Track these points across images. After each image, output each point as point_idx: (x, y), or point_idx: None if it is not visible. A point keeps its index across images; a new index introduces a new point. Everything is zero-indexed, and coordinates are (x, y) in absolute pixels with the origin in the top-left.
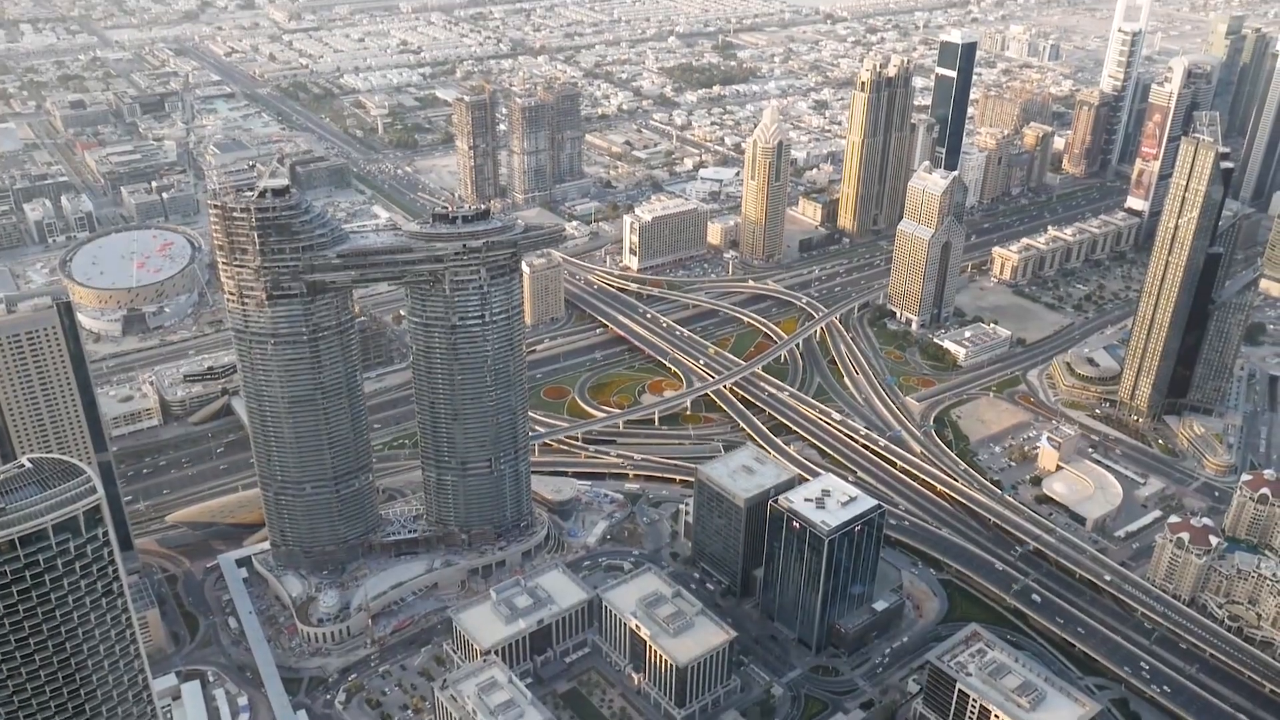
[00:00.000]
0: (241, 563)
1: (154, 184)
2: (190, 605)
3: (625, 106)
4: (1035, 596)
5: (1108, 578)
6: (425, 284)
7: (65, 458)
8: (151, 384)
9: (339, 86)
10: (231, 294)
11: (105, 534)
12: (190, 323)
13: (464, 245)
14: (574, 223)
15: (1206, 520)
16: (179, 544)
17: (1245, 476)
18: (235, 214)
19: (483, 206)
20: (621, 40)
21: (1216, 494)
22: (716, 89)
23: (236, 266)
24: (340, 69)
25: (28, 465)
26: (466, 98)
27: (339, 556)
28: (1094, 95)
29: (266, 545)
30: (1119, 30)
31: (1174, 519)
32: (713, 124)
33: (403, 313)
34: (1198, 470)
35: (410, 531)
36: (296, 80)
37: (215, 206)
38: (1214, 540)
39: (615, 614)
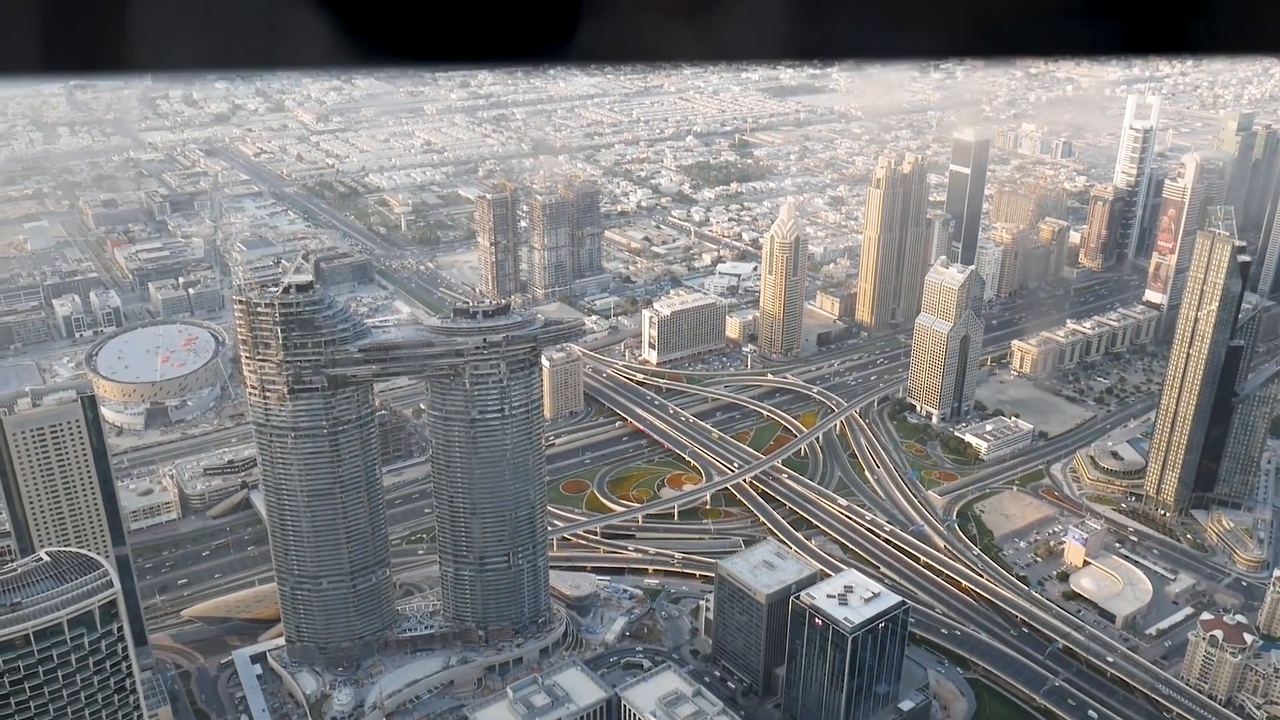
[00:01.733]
0: (256, 659)
1: (181, 280)
2: (203, 703)
3: (644, 203)
4: (1070, 700)
5: (1141, 677)
6: (445, 378)
7: (83, 551)
8: (172, 477)
9: (364, 185)
10: (253, 388)
11: (120, 629)
12: (212, 416)
13: (484, 340)
14: (593, 317)
15: (1240, 617)
16: (193, 639)
17: (1277, 572)
18: (259, 309)
19: (503, 301)
20: (640, 139)
21: (1247, 587)
22: (734, 186)
23: (259, 360)
24: (365, 168)
25: (45, 559)
26: (488, 195)
27: (354, 653)
28: (1108, 190)
29: (281, 641)
30: (1130, 128)
31: (1206, 616)
32: (730, 220)
33: (423, 406)
34: (1228, 566)
35: (427, 628)
36: (323, 179)
37: (240, 301)
38: (1249, 638)
39: (634, 713)
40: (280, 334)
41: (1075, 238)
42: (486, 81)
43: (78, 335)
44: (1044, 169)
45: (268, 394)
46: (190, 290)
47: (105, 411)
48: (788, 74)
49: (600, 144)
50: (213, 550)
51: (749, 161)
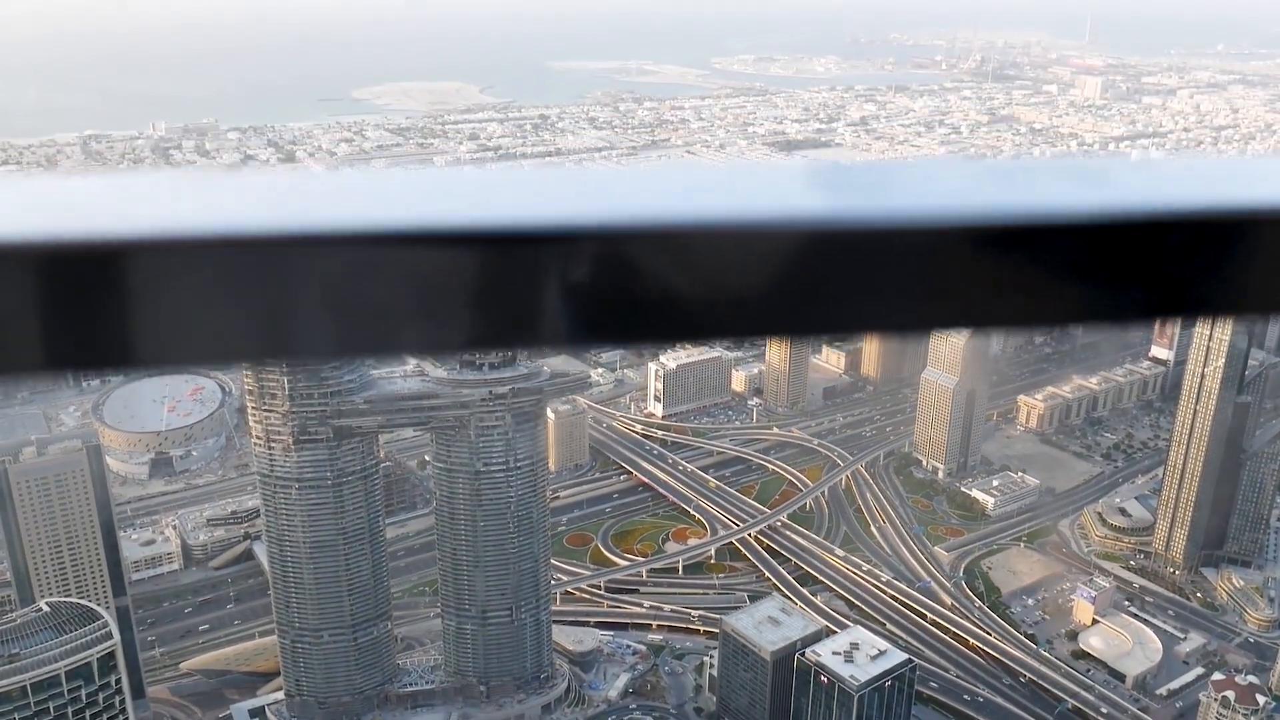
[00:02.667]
0: (255, 713)
1: None
2: None
3: None
4: None
5: None
6: (450, 429)
7: (83, 602)
8: (174, 528)
9: None
10: (259, 438)
11: (118, 681)
12: (217, 467)
13: (490, 391)
14: (599, 369)
15: (1252, 678)
16: (192, 693)
17: None
18: None
19: (509, 353)
20: None
21: (1258, 646)
22: None
23: (265, 411)
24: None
25: (45, 609)
26: None
27: (354, 707)
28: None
29: (281, 695)
30: None
31: (1218, 676)
32: None
33: (427, 458)
34: (1239, 625)
35: (428, 682)
36: None
37: None
38: (1261, 699)
39: None
40: (286, 384)
41: None
42: (496, 134)
43: (85, 384)
44: None
45: (273, 444)
46: None
47: (110, 461)
48: (794, 128)
49: None
50: (214, 602)
51: None
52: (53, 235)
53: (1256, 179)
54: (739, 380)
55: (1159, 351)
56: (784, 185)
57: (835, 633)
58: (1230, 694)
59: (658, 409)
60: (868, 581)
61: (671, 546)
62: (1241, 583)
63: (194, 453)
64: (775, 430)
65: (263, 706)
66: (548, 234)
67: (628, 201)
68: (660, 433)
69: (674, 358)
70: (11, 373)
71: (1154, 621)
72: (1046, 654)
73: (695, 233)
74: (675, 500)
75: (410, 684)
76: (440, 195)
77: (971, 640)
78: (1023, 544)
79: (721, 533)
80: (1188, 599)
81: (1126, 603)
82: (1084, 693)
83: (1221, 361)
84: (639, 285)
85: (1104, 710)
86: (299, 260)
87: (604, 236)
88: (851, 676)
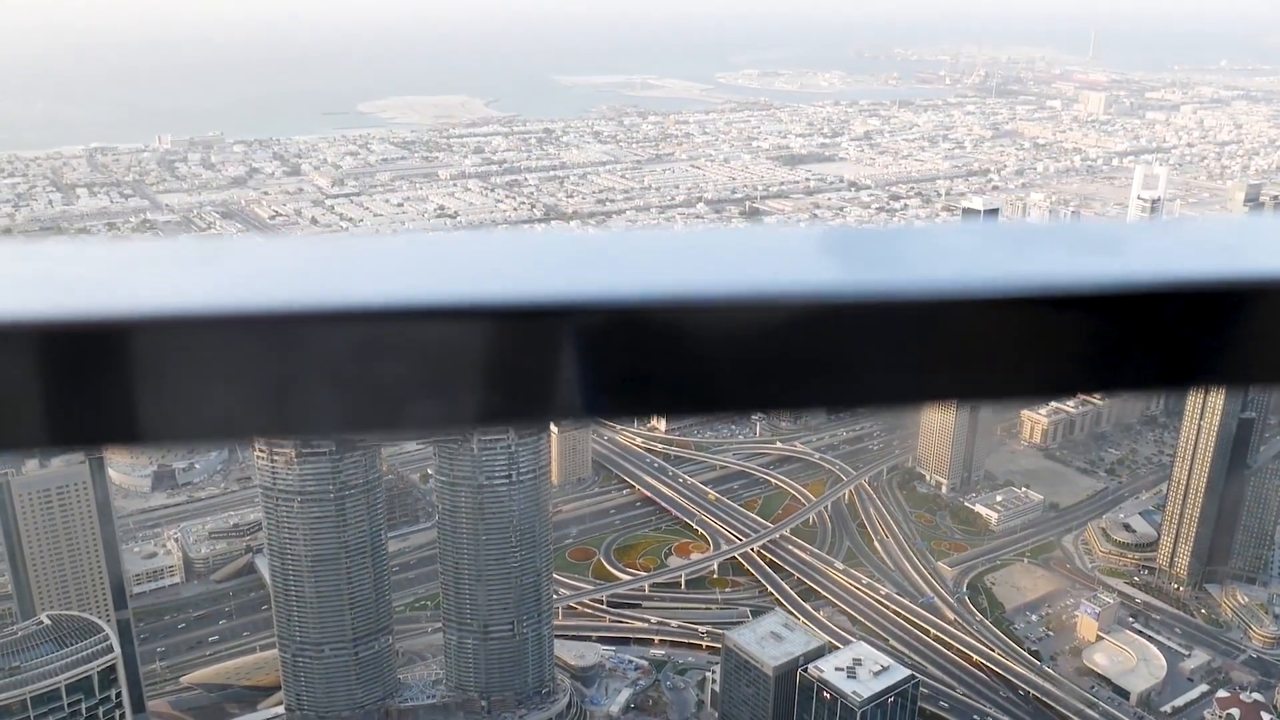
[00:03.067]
0: None
1: None
2: None
3: None
4: None
5: None
6: (453, 443)
7: (84, 615)
8: (176, 540)
9: None
10: (261, 451)
11: (118, 695)
12: (219, 479)
13: None
14: None
15: (1257, 695)
16: (192, 707)
17: None
18: None
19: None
20: (651, 206)
21: (1263, 664)
22: None
23: None
24: (378, 232)
25: (46, 622)
26: None
27: None
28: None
29: (281, 710)
30: (1138, 198)
31: (1222, 693)
32: None
33: (429, 471)
34: (1244, 642)
35: (429, 697)
36: None
37: None
38: (1266, 717)
39: None
40: None
41: None
42: (501, 148)
43: None
44: None
45: (275, 457)
46: None
47: (112, 473)
48: (798, 142)
49: (611, 210)
50: (215, 615)
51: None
52: (57, 313)
53: (1267, 244)
54: None
55: None
56: (791, 252)
57: (838, 648)
58: (1235, 711)
59: (661, 422)
60: (871, 597)
61: (674, 561)
62: (1246, 599)
63: (196, 465)
64: (778, 444)
65: None
66: (555, 308)
67: (635, 272)
68: (663, 447)
69: None
70: (16, 448)
71: (1158, 638)
72: (1050, 670)
73: (707, 306)
74: (678, 514)
75: (411, 699)
76: (447, 264)
77: (975, 656)
78: (1026, 559)
79: (724, 547)
80: (1192, 615)
81: (1131, 619)
82: (1088, 710)
83: None
84: (652, 359)
85: None
86: (305, 337)
87: (612, 310)
88: (854, 692)
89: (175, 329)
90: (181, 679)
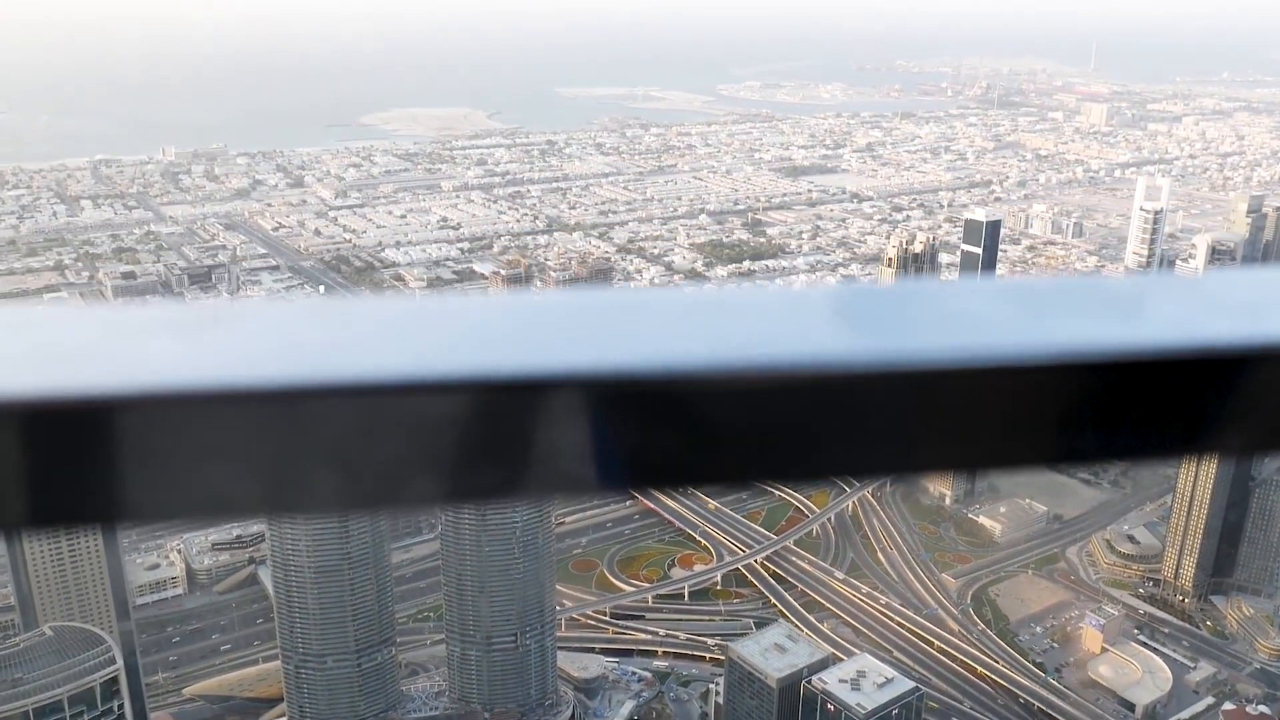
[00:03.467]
0: None
1: None
2: None
3: (657, 280)
4: None
5: None
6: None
7: (87, 626)
8: (179, 551)
9: (380, 260)
10: None
11: (121, 707)
12: None
13: None
14: None
15: (1264, 708)
16: (195, 718)
17: None
18: None
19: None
20: (654, 217)
21: (1269, 676)
22: (746, 264)
23: None
24: (382, 243)
25: (49, 633)
26: (502, 272)
27: None
28: (1120, 270)
29: None
30: (1141, 209)
31: (1229, 706)
32: None
33: None
34: (1249, 654)
35: (431, 709)
36: (339, 254)
37: None
38: None
39: None
40: None
41: None
42: (503, 159)
43: None
44: (1055, 249)
45: None
46: None
47: None
48: (801, 154)
49: (614, 221)
50: (218, 626)
51: (761, 240)
52: (48, 391)
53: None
54: None
55: None
56: (802, 317)
57: (842, 660)
58: None
59: None
60: (874, 608)
61: (677, 572)
62: (1252, 611)
63: None
64: None
65: None
66: (549, 380)
67: (639, 340)
68: None
69: None
70: (9, 528)
71: (1164, 650)
72: (1055, 682)
73: (717, 377)
74: (681, 526)
75: (414, 710)
76: (445, 333)
77: (979, 668)
78: (1030, 571)
79: (728, 558)
80: (1197, 628)
81: (1136, 631)
82: None
83: None
84: (660, 432)
85: None
86: (300, 413)
87: (618, 382)
88: (858, 704)
89: (167, 406)
90: (184, 690)
